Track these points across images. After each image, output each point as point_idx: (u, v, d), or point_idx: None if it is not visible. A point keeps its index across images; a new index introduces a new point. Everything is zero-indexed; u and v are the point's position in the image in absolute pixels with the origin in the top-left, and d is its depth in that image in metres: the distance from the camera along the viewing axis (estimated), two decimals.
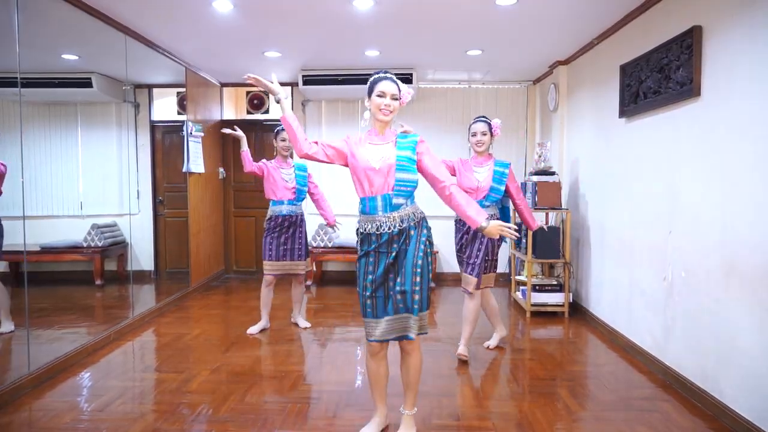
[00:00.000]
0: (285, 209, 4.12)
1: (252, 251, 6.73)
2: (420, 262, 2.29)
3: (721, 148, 2.75)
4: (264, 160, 4.15)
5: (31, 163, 4.08)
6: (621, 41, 3.97)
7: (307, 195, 4.31)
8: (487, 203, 3.43)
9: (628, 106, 3.78)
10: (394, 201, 2.30)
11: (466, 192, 3.07)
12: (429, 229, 2.40)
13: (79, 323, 4.34)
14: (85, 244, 4.62)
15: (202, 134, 5.73)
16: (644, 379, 3.25)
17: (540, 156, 5.04)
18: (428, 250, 2.36)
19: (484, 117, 3.59)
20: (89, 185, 4.70)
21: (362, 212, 2.37)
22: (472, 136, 3.50)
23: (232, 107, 6.68)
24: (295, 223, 4.17)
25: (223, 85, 6.47)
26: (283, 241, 4.15)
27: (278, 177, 4.11)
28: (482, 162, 3.53)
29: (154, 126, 5.74)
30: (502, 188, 3.46)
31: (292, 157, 4.22)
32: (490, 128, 3.50)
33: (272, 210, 4.15)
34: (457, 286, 5.87)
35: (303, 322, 4.40)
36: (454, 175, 3.46)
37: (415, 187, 2.36)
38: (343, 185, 6.46)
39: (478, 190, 3.44)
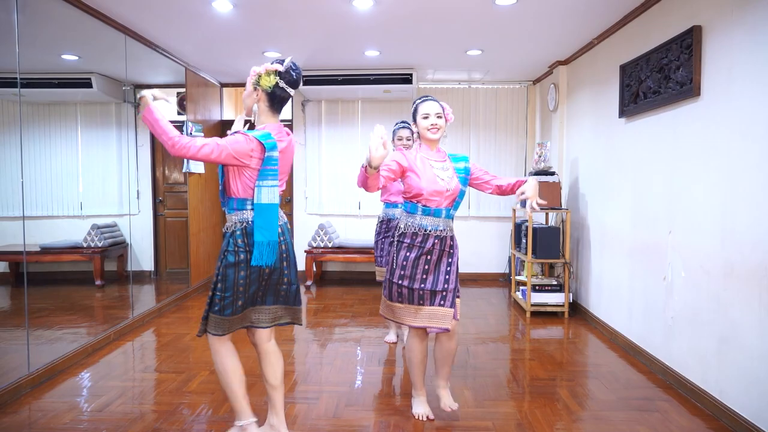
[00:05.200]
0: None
1: None
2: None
3: (722, 147, 2.75)
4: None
5: (31, 163, 4.08)
6: (621, 41, 3.97)
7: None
8: (453, 212, 2.61)
9: (627, 106, 3.78)
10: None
11: (429, 199, 2.52)
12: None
13: (79, 323, 4.33)
14: (84, 245, 4.62)
15: (202, 134, 5.73)
16: (644, 379, 3.25)
17: (540, 156, 5.04)
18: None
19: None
20: (89, 185, 4.70)
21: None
22: (424, 118, 2.54)
23: (231, 107, 6.68)
24: None
25: (223, 85, 6.47)
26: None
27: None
28: (442, 157, 2.63)
29: None
30: (465, 188, 2.64)
31: None
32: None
33: (386, 212, 3.78)
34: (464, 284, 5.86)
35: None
36: (394, 179, 2.53)
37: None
38: (344, 185, 6.47)
39: (444, 195, 2.53)
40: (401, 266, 2.52)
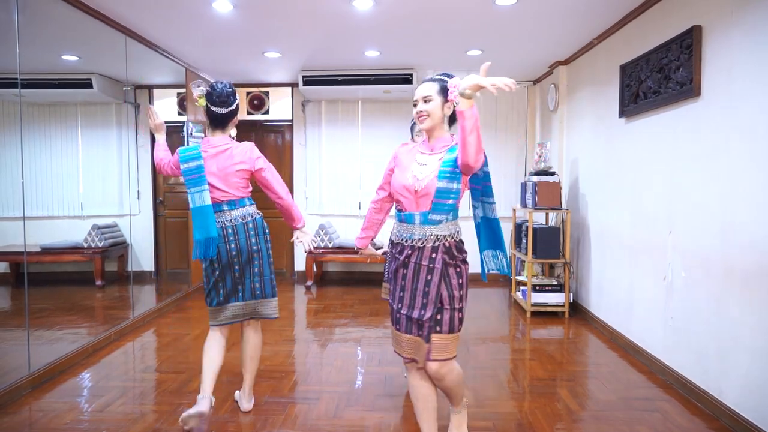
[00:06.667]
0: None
1: None
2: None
3: (721, 147, 2.75)
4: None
5: (32, 163, 4.08)
6: (621, 41, 3.97)
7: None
8: (438, 216, 2.05)
9: (627, 106, 3.78)
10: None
11: (400, 201, 2.16)
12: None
13: (80, 324, 4.34)
14: (85, 245, 4.62)
15: (203, 135, 5.74)
16: (644, 379, 3.25)
17: (540, 156, 5.04)
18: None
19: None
20: (89, 186, 4.70)
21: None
22: (414, 106, 2.17)
23: None
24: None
25: None
26: None
27: None
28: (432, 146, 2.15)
29: None
30: (456, 186, 2.03)
31: None
32: (445, 91, 2.11)
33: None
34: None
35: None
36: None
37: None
38: (344, 185, 6.47)
39: (417, 195, 2.08)
40: (389, 282, 2.21)
